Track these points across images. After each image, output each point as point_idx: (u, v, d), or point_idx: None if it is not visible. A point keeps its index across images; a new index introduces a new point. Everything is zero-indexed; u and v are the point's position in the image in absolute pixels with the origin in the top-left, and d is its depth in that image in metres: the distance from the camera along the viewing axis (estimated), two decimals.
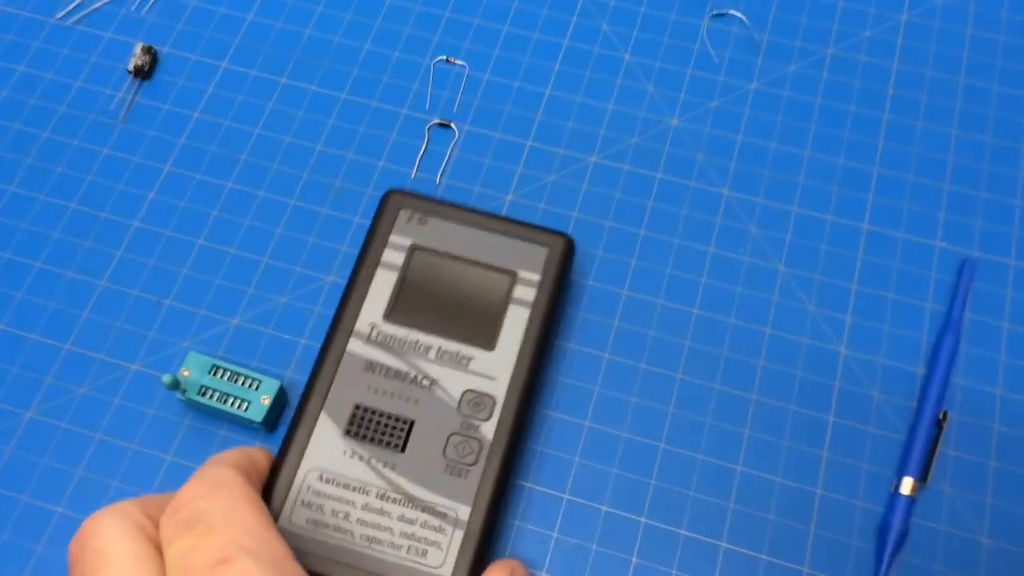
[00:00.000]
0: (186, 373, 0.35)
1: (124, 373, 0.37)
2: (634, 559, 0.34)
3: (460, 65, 0.44)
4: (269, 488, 0.32)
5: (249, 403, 0.35)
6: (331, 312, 0.38)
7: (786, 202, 0.41)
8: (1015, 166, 0.41)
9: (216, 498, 0.26)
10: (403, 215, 0.36)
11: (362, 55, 0.44)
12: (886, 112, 0.43)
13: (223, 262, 0.40)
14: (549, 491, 0.35)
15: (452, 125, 0.43)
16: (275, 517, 0.31)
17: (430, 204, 0.37)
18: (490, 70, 0.44)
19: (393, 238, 0.36)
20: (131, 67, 0.44)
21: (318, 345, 0.38)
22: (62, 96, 0.44)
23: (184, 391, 0.35)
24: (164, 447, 0.36)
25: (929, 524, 0.35)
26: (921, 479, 0.35)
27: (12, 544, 0.34)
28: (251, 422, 0.35)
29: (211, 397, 0.35)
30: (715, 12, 0.45)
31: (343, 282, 0.39)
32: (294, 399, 0.37)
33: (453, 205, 0.37)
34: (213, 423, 0.36)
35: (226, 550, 0.24)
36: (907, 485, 0.34)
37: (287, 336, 0.38)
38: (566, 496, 0.35)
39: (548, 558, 0.34)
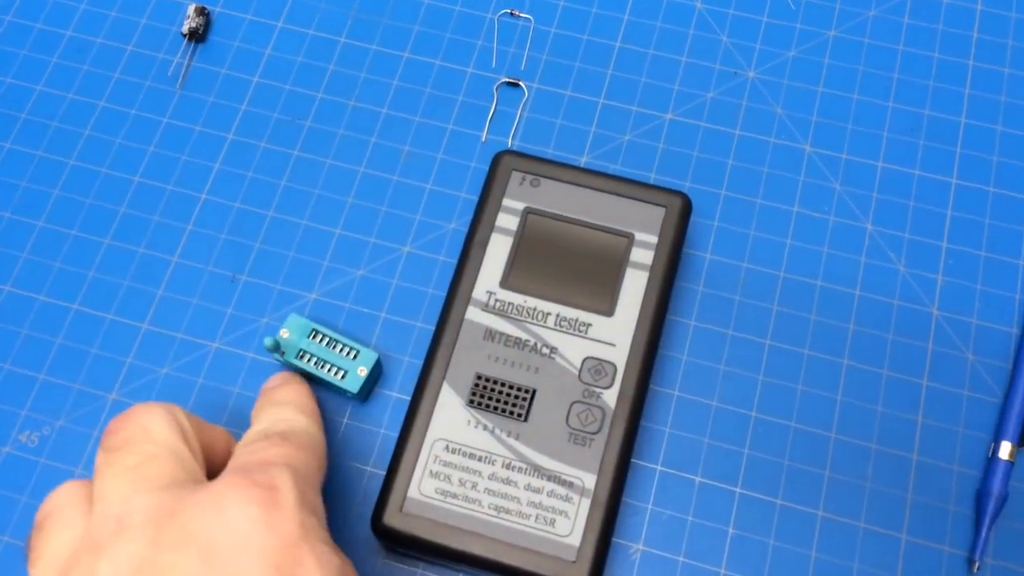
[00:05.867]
0: (285, 335, 0.34)
1: (205, 352, 0.37)
2: (731, 529, 0.34)
3: (525, 19, 0.43)
4: (397, 458, 0.32)
5: (346, 372, 0.34)
6: (410, 284, 0.38)
7: (871, 157, 0.40)
8: None
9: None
10: (515, 178, 0.36)
11: (423, 10, 0.43)
12: (971, 59, 0.41)
13: (295, 234, 0.39)
14: (644, 464, 0.35)
15: (521, 84, 0.41)
16: (405, 487, 0.32)
17: (542, 165, 0.36)
18: (556, 23, 0.42)
19: (506, 202, 0.35)
20: (185, 30, 0.42)
21: (400, 319, 0.37)
22: (114, 62, 0.42)
23: (283, 353, 0.34)
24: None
25: None
26: (1019, 443, 0.34)
27: None
28: (346, 391, 0.34)
29: (308, 361, 0.34)
30: None
31: (421, 253, 0.38)
32: (389, 369, 0.36)
33: (565, 166, 0.36)
34: None
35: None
36: (1005, 449, 0.34)
37: (366, 310, 0.37)
38: (659, 468, 0.35)
39: (644, 531, 0.34)
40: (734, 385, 0.36)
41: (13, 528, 0.34)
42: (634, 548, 0.34)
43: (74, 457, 0.35)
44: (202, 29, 0.42)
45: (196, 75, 0.42)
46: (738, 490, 0.35)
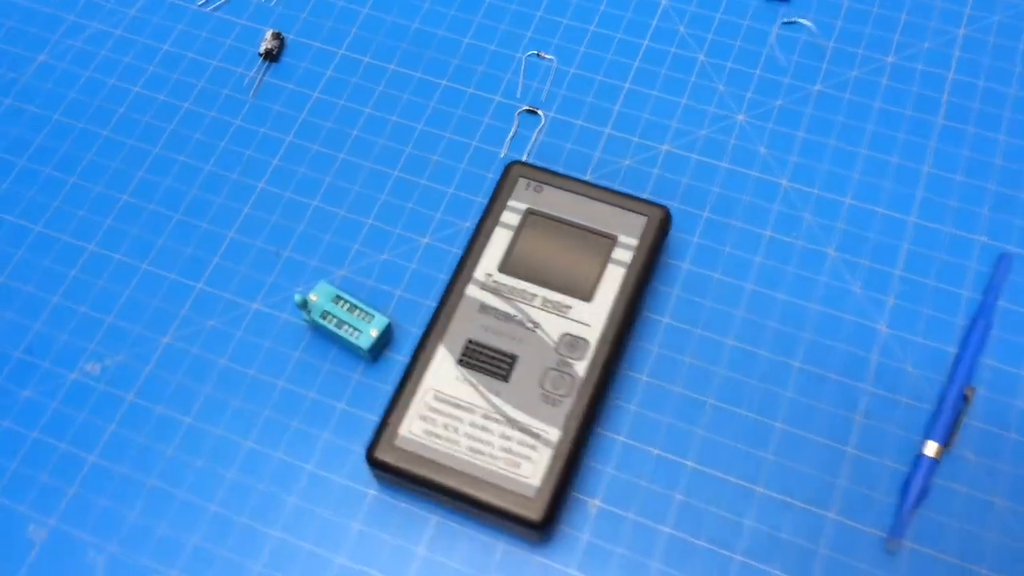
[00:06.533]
0: (314, 298, 0.41)
1: (246, 311, 0.43)
2: (679, 496, 0.39)
3: (549, 59, 0.49)
4: (395, 403, 0.38)
5: (360, 332, 0.40)
6: (426, 269, 0.44)
7: (840, 194, 0.45)
8: None
9: None
10: (522, 183, 0.42)
11: (462, 47, 0.50)
12: (940, 117, 0.46)
13: (333, 222, 0.45)
14: (611, 434, 0.40)
15: (539, 112, 0.48)
16: (397, 426, 0.37)
17: (545, 175, 0.42)
18: (576, 65, 0.49)
19: (511, 203, 0.41)
20: (262, 50, 0.50)
21: (414, 296, 0.43)
22: (200, 73, 0.50)
23: (309, 312, 0.40)
24: (277, 375, 0.42)
25: (950, 485, 0.38)
26: (944, 444, 0.38)
27: (148, 446, 0.41)
28: (359, 348, 0.40)
29: (330, 321, 0.40)
30: (785, 20, 0.50)
31: (438, 244, 0.44)
32: (398, 338, 0.42)
33: (566, 177, 0.42)
34: (319, 356, 0.42)
35: None
36: (931, 448, 0.38)
37: (385, 287, 0.44)
38: (623, 439, 0.40)
39: (603, 489, 0.39)
40: (696, 375, 0.41)
41: (70, 439, 0.41)
42: (593, 503, 0.39)
43: (128, 386, 0.42)
44: (276, 51, 0.50)
45: (267, 88, 0.50)
46: (689, 463, 0.39)
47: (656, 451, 0.39)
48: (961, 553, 0.37)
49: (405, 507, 0.39)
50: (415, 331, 0.42)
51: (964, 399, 0.39)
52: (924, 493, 0.37)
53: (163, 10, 0.52)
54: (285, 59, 0.50)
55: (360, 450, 0.40)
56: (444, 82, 0.49)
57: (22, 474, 0.40)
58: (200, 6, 0.52)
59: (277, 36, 0.50)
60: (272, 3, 0.52)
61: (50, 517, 0.39)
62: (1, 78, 0.51)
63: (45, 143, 0.48)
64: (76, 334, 0.43)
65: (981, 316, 0.41)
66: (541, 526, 0.36)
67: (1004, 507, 0.38)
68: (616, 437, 0.40)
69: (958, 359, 0.40)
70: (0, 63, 0.51)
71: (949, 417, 0.39)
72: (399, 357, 0.42)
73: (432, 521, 0.39)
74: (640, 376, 0.41)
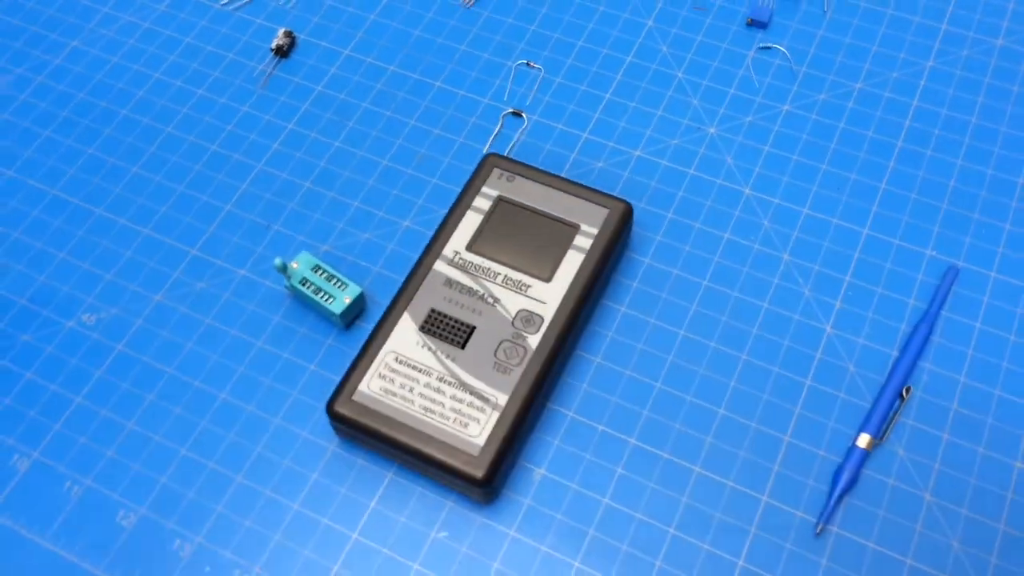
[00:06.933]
0: (295, 265, 0.44)
1: (234, 276, 0.46)
2: (619, 469, 0.41)
3: (537, 68, 0.53)
4: (358, 361, 0.40)
5: (334, 298, 0.43)
6: (403, 249, 0.47)
7: (799, 204, 0.47)
8: (1010, 195, 0.47)
9: None
10: (495, 173, 0.45)
11: (458, 54, 0.53)
12: (900, 140, 0.49)
13: (323, 202, 0.49)
14: (561, 409, 0.42)
15: (523, 114, 0.51)
16: (357, 382, 0.40)
17: (518, 167, 0.45)
18: (562, 75, 0.52)
19: (484, 190, 0.45)
20: (273, 46, 0.54)
21: (390, 273, 0.46)
22: (216, 64, 0.54)
23: (289, 278, 0.43)
24: (256, 335, 0.45)
25: (879, 477, 0.40)
26: (877, 437, 0.40)
27: (130, 392, 0.43)
28: (332, 314, 0.43)
29: (308, 287, 0.43)
30: (762, 45, 0.53)
31: (417, 228, 0.47)
32: (371, 310, 0.45)
33: (537, 170, 0.45)
34: (296, 321, 0.45)
35: None
36: (863, 440, 0.40)
37: (364, 263, 0.47)
38: (572, 414, 0.42)
39: (549, 460, 0.41)
40: (647, 360, 0.43)
41: (61, 381, 0.44)
42: (538, 472, 0.41)
43: (119, 337, 0.45)
44: (287, 47, 0.54)
45: (275, 81, 0.53)
46: (632, 441, 0.41)
47: (602, 427, 0.42)
48: (883, 540, 0.39)
49: (362, 463, 0.41)
50: (387, 304, 0.45)
51: (900, 397, 0.41)
52: (852, 482, 0.39)
53: (189, 6, 0.57)
54: (295, 56, 0.54)
55: (324, 409, 0.43)
56: (438, 84, 0.52)
57: (13, 409, 0.43)
58: (223, 5, 0.57)
59: (289, 34, 0.54)
60: (289, 5, 0.56)
61: (35, 450, 0.42)
62: (36, 59, 0.55)
63: (69, 117, 0.52)
64: (77, 287, 0.46)
65: (924, 322, 0.43)
66: (483, 483, 0.38)
67: (929, 501, 0.39)
68: (566, 412, 0.42)
69: (898, 359, 0.42)
70: (37, 46, 0.55)
71: (883, 411, 0.40)
72: (369, 326, 0.45)
73: (386, 477, 0.41)
74: (594, 358, 0.43)
